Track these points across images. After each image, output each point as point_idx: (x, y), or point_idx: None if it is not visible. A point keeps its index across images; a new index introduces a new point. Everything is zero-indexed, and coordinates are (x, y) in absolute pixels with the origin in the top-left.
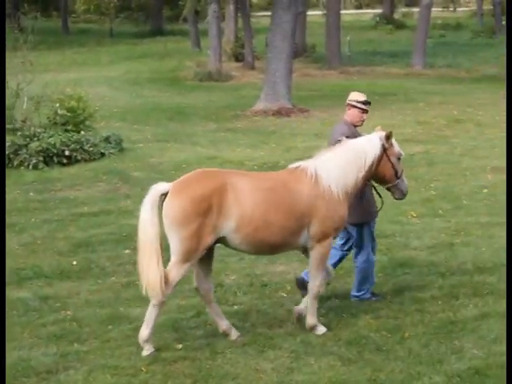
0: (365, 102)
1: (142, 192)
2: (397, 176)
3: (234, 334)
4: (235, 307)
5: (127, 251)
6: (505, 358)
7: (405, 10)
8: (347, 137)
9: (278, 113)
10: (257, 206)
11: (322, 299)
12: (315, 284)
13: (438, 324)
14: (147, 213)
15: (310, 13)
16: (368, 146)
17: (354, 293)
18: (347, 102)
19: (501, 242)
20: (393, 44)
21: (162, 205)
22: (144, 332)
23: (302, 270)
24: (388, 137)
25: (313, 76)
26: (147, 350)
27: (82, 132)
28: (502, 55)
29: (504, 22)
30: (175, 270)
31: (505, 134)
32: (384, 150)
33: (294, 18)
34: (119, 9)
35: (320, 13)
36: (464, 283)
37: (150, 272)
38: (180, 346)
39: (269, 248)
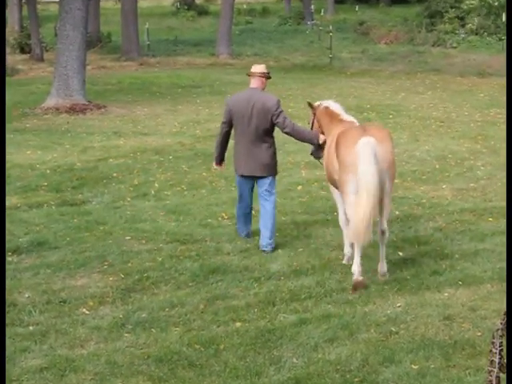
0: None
1: None
2: None
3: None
4: (31, 328)
5: None
6: (326, 365)
7: None
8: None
9: (72, 110)
10: None
11: (128, 313)
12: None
13: (255, 333)
14: (372, 165)
15: None
16: None
17: (268, 241)
18: (261, 73)
19: (319, 242)
20: (196, 32)
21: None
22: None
23: (104, 283)
24: None
25: (109, 68)
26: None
27: None
28: (311, 43)
29: (313, 7)
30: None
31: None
32: None
33: (85, 5)
34: None
35: None
36: (280, 288)
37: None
38: None
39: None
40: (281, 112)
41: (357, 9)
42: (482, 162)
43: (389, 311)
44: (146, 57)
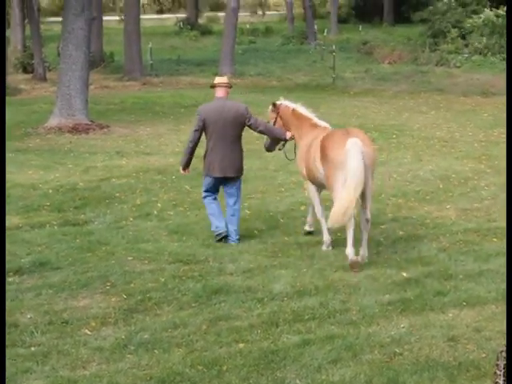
0: None
1: None
2: None
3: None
4: (33, 349)
5: None
6: None
7: (210, 14)
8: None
9: (75, 129)
10: None
11: (130, 333)
12: None
13: (258, 354)
14: (361, 162)
15: (106, 18)
16: None
17: (235, 237)
18: (226, 83)
19: (322, 262)
20: (199, 51)
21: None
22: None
23: (106, 303)
24: None
25: (112, 88)
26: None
27: None
28: (314, 62)
29: (316, 27)
30: None
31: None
32: None
33: (87, 24)
34: None
35: (117, 18)
36: (284, 309)
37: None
38: None
39: None
40: (251, 115)
41: (360, 28)
42: (485, 182)
43: (393, 332)
44: (148, 76)
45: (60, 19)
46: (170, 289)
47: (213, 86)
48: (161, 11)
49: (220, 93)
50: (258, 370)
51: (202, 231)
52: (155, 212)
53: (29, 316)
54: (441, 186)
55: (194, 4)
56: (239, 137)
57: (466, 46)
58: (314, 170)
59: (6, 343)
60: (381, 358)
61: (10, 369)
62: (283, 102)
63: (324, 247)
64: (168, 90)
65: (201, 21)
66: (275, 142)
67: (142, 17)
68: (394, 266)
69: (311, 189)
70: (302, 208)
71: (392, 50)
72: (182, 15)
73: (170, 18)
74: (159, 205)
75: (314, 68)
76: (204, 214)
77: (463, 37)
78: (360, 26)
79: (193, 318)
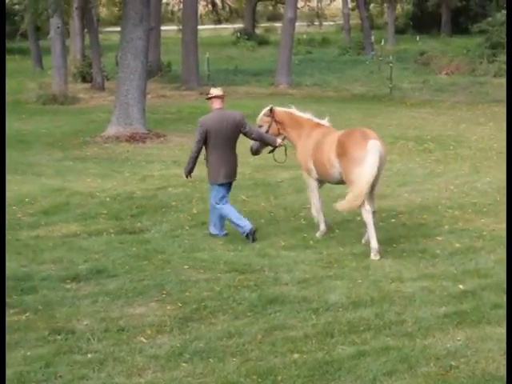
0: None
1: None
2: None
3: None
4: (89, 355)
5: None
6: None
7: (267, 24)
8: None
9: (132, 138)
10: None
11: (185, 342)
12: None
13: (313, 365)
14: (378, 161)
15: (164, 28)
16: None
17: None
18: (222, 95)
19: (377, 274)
20: (255, 61)
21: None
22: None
23: (162, 311)
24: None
25: (169, 97)
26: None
27: None
28: (371, 73)
29: (373, 37)
30: None
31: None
32: None
33: (146, 34)
34: None
35: (175, 28)
36: (339, 319)
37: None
38: None
39: None
40: (246, 123)
41: (417, 39)
42: None
43: (449, 345)
44: (205, 86)
45: (118, 29)
46: (225, 298)
47: (209, 98)
48: (218, 21)
49: (217, 104)
50: (313, 381)
51: (257, 241)
52: None
53: (85, 323)
54: (498, 199)
55: (251, 14)
56: (236, 142)
57: None
58: (326, 164)
59: (64, 349)
60: (436, 371)
61: (66, 375)
62: (276, 107)
63: (318, 234)
64: (224, 99)
65: (258, 31)
66: (263, 145)
67: (200, 27)
68: (450, 278)
69: (312, 185)
70: (358, 219)
71: (450, 61)
72: (239, 25)
73: (228, 29)
74: None
75: (371, 79)
76: (260, 223)
77: None
78: (417, 37)
79: (248, 328)
